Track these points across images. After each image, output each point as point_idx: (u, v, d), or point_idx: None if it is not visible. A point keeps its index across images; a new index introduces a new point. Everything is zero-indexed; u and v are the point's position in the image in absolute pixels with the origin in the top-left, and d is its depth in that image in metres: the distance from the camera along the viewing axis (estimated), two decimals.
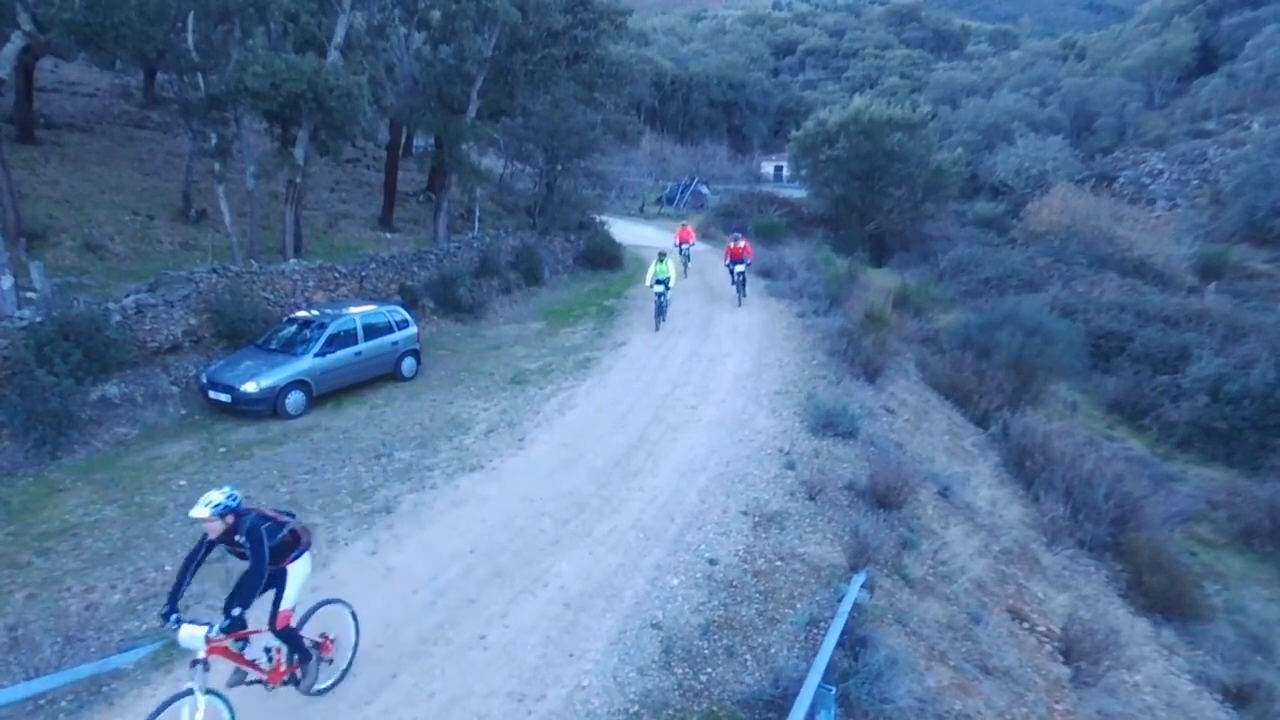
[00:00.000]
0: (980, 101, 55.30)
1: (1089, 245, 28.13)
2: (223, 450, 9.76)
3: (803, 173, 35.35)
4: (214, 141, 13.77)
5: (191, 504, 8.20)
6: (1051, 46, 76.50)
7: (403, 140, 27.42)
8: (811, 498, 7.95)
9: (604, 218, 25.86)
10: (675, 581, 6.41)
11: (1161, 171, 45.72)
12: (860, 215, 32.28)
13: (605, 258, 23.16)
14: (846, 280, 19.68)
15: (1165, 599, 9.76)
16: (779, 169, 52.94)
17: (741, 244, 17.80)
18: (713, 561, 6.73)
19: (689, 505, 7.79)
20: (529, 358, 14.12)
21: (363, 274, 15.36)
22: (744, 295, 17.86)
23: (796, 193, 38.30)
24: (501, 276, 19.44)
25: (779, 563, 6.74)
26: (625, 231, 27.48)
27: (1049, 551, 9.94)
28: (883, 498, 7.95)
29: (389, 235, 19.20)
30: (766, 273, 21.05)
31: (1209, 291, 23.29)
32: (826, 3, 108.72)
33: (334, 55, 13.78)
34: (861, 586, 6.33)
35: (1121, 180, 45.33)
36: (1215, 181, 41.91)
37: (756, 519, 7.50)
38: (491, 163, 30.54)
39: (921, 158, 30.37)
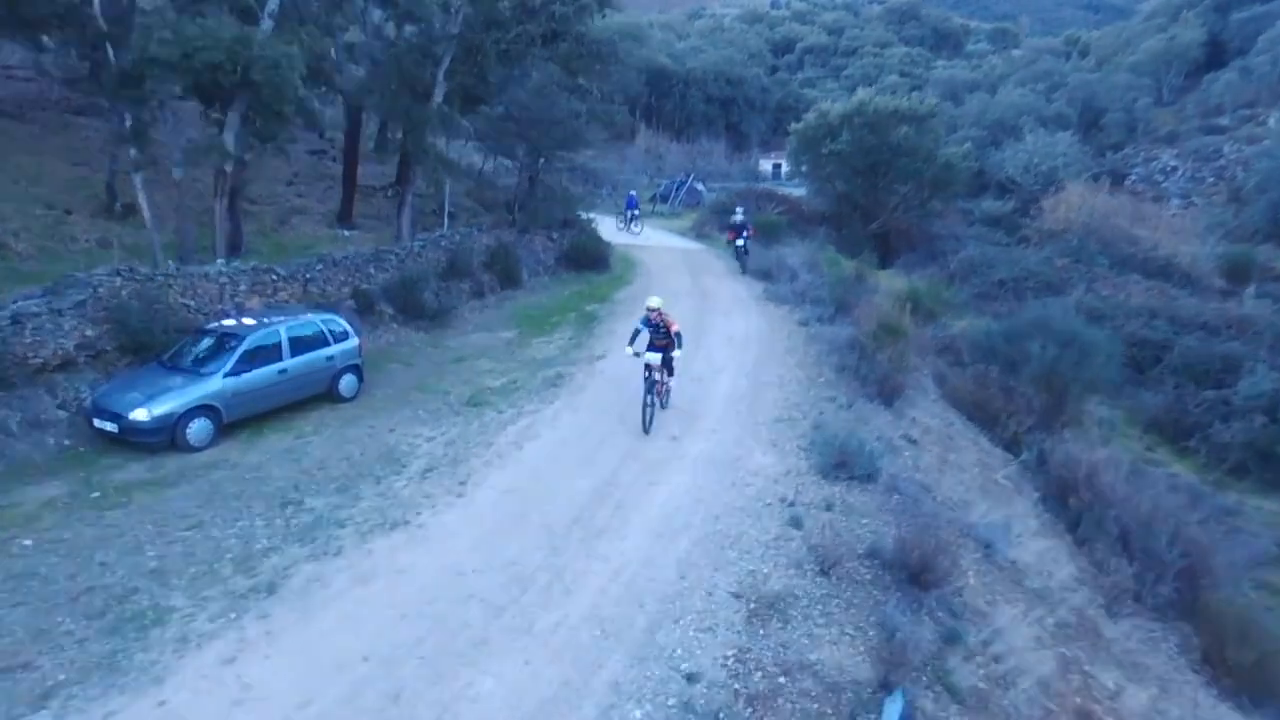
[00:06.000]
0: (985, 97, 53.62)
1: (1108, 245, 26.35)
2: (95, 495, 7.93)
3: (803, 169, 33.49)
4: (129, 124, 11.93)
5: (30, 573, 6.46)
6: (1054, 44, 74.88)
7: (378, 130, 25.68)
8: (824, 572, 6.14)
9: (593, 215, 24.06)
10: (637, 715, 4.59)
11: (1175, 168, 44.06)
12: (864, 213, 30.47)
13: (591, 258, 21.28)
14: (853, 283, 17.88)
15: (1254, 678, 7.97)
16: (777, 166, 51.17)
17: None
18: (692, 678, 4.91)
19: (664, 583, 5.98)
20: (493, 373, 12.30)
21: (307, 276, 13.50)
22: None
23: (796, 190, 36.49)
24: (473, 278, 17.60)
25: (782, 679, 4.93)
26: (616, 230, 25.74)
27: (1110, 619, 8.14)
28: (916, 573, 6.14)
29: (347, 233, 17.37)
30: (766, 275, 19.25)
31: (1248, 295, 21.52)
32: (825, 1, 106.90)
33: (267, 24, 11.94)
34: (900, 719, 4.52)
35: (1133, 177, 43.68)
36: (1232, 178, 40.26)
37: (752, 605, 5.69)
38: (474, 157, 28.79)
39: (929, 152, 28.55)
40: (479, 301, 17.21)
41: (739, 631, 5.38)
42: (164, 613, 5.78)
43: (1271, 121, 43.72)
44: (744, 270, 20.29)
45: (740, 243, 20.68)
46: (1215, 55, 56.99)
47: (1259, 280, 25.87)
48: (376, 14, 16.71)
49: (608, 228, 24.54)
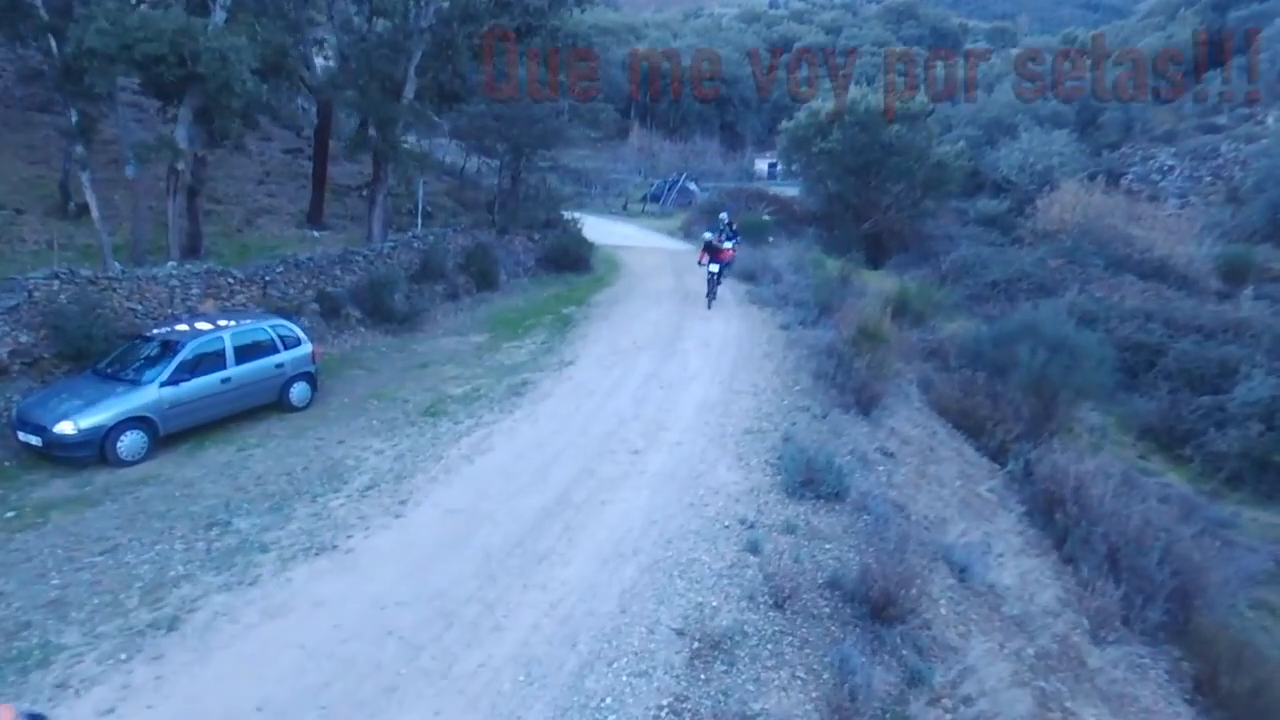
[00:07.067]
0: (981, 95, 53.07)
1: (1103, 245, 25.85)
2: (10, 515, 7.41)
3: (794, 168, 33.02)
4: (74, 119, 11.40)
5: None
6: (1052, 43, 74.43)
7: (357, 127, 25.11)
8: (778, 605, 5.62)
9: (578, 215, 23.54)
10: None
11: (1172, 168, 43.58)
12: (856, 213, 29.97)
13: (572, 259, 20.77)
14: (838, 285, 17.36)
15: (1250, 707, 7.46)
16: (773, 166, 50.62)
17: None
18: None
19: (603, 617, 5.46)
20: (457, 379, 11.79)
21: (267, 279, 12.98)
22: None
23: (790, 190, 36.03)
24: (447, 280, 17.07)
25: None
26: (603, 230, 25.25)
27: (1095, 645, 7.62)
28: (880, 606, 5.61)
29: (316, 234, 16.84)
30: (750, 277, 18.73)
31: (1245, 297, 20.99)
32: (823, 0, 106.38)
33: (219, 15, 11.41)
34: None
35: (1130, 176, 43.18)
36: (1230, 178, 39.79)
37: (696, 644, 5.17)
38: (456, 156, 28.25)
39: (922, 151, 28.05)
40: (453, 304, 16.68)
41: (678, 676, 4.87)
42: (52, 652, 5.25)
43: (1270, 120, 43.27)
44: (709, 304, 15.65)
45: (715, 269, 15.32)
46: (1213, 54, 56.51)
47: (1257, 281, 25.36)
48: (348, 8, 16.18)
49: (594, 227, 24.00)
